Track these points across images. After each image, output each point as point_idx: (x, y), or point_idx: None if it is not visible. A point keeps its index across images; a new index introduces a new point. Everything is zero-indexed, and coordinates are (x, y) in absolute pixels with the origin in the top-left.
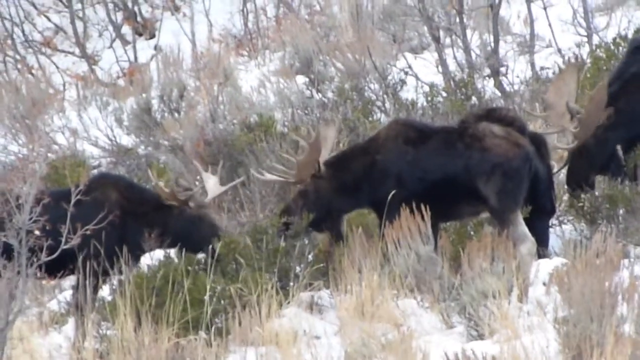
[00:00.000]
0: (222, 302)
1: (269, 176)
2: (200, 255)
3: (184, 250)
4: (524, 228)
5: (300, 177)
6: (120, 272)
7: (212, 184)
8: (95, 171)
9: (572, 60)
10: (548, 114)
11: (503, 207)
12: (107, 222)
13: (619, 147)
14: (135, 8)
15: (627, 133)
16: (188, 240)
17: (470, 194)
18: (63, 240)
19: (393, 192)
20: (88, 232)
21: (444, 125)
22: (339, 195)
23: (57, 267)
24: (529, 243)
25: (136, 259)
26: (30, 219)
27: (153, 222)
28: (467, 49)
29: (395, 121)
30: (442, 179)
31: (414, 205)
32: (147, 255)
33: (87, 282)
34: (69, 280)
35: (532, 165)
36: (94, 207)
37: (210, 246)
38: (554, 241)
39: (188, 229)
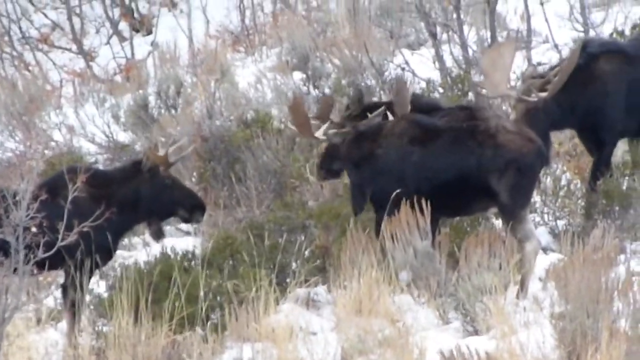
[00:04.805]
0: (219, 298)
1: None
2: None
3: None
4: (531, 226)
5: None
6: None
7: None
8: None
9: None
10: (485, 82)
11: (514, 203)
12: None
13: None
14: (132, 4)
15: None
16: (163, 204)
17: (481, 190)
18: (60, 239)
19: (393, 188)
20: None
21: (451, 124)
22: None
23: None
24: (535, 241)
25: (119, 239)
26: (27, 215)
27: (124, 195)
28: (464, 45)
29: (402, 118)
30: (453, 177)
31: (414, 200)
32: (143, 250)
33: (77, 278)
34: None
35: (543, 161)
36: (72, 208)
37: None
38: (549, 236)
39: (162, 192)
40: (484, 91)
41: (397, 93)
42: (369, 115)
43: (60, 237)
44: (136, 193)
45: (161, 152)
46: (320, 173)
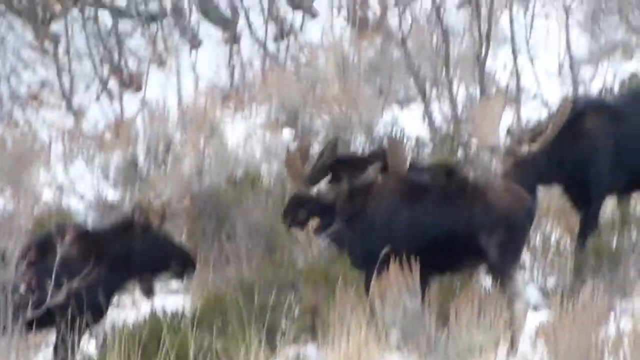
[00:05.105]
0: (208, 357)
1: None
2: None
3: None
4: (520, 283)
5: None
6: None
7: None
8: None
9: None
10: (476, 133)
11: (503, 261)
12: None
13: None
14: (122, 62)
15: None
16: (156, 259)
17: (470, 248)
18: (48, 298)
19: (382, 246)
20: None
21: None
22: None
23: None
24: (524, 299)
25: (111, 297)
26: (16, 274)
27: (117, 252)
28: (453, 102)
29: (390, 175)
30: (442, 234)
31: (403, 257)
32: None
33: (67, 337)
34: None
35: (533, 218)
36: (60, 265)
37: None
38: (539, 294)
39: (155, 248)
40: (474, 142)
41: (392, 152)
42: (345, 166)
43: (49, 296)
44: (129, 249)
45: (159, 208)
46: (286, 222)
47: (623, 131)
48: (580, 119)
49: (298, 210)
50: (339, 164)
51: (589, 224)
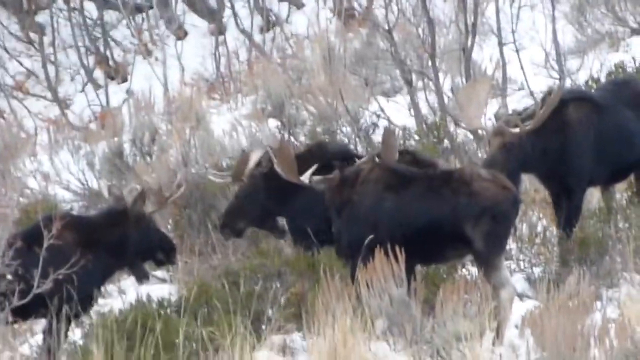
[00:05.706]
0: (195, 345)
1: None
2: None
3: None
4: (506, 273)
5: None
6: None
7: None
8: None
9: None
10: (461, 114)
11: (489, 251)
12: (75, 265)
13: None
14: (108, 52)
15: None
16: (148, 247)
17: (456, 238)
18: (35, 286)
19: (368, 235)
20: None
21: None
22: None
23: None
24: (511, 288)
25: (104, 284)
26: (3, 263)
27: (111, 240)
28: (439, 93)
29: (376, 165)
30: (428, 224)
31: (389, 247)
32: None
33: (58, 325)
34: (41, 325)
35: (519, 208)
36: (54, 253)
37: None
38: (525, 284)
39: (147, 236)
40: (462, 124)
41: (385, 142)
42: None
43: (39, 283)
44: (124, 237)
45: (166, 194)
46: (225, 232)
47: (606, 123)
48: (563, 109)
49: (236, 222)
50: None
51: (573, 215)
